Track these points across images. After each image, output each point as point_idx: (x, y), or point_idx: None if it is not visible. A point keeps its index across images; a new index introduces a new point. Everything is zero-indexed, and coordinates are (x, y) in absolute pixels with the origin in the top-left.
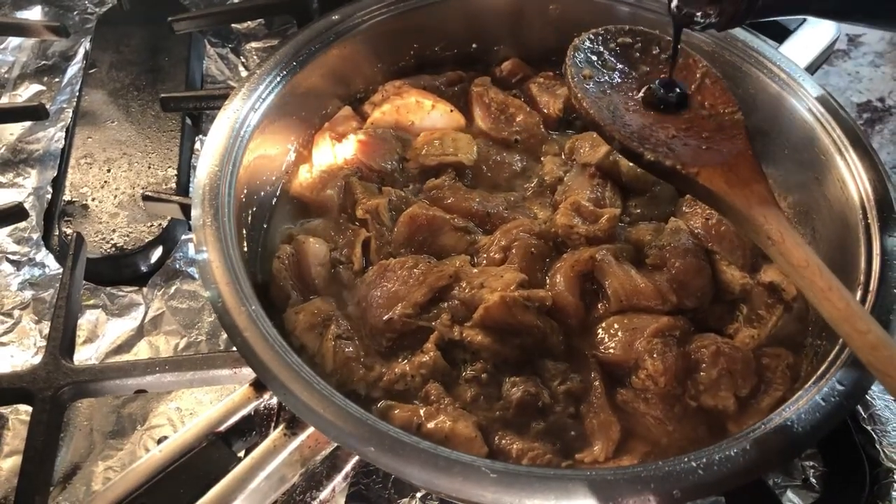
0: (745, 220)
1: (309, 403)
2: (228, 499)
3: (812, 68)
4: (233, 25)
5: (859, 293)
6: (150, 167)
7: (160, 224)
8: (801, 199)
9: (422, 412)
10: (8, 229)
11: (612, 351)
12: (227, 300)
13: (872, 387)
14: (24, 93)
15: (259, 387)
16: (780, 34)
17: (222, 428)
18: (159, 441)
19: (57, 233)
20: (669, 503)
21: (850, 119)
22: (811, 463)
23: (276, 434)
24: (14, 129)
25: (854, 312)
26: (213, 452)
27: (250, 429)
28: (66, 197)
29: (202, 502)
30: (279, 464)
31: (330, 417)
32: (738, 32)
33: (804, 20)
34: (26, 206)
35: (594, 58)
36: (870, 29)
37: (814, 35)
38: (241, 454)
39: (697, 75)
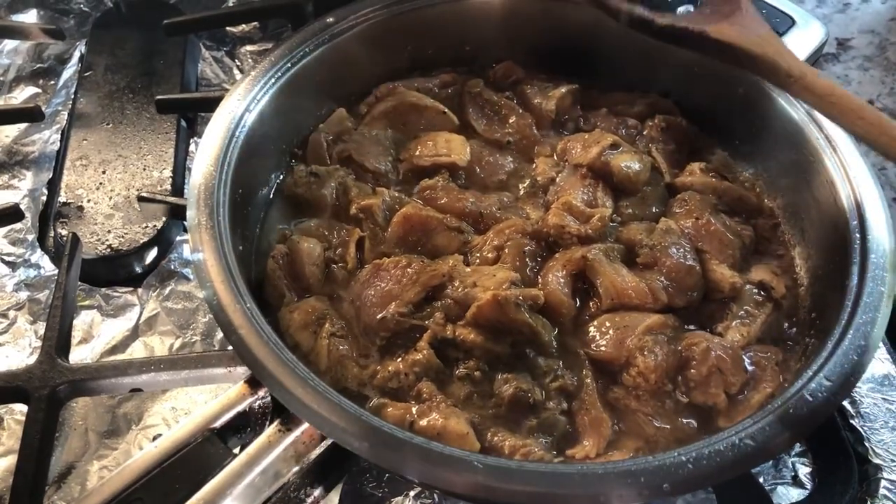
0: (763, 64)
1: (303, 399)
2: (223, 494)
3: None
4: (228, 29)
5: (846, 291)
6: (145, 169)
7: (155, 225)
8: (791, 201)
9: (414, 410)
10: (3, 231)
11: (603, 349)
12: (223, 298)
13: (861, 384)
14: (20, 95)
15: (254, 384)
16: None
17: (217, 424)
18: (154, 439)
19: (52, 234)
20: (659, 497)
21: None
22: (801, 459)
23: (270, 430)
24: (9, 131)
25: (889, 124)
26: (209, 448)
27: (245, 425)
28: (62, 198)
29: (197, 497)
30: (274, 459)
31: (324, 413)
32: None
33: (793, 23)
34: (22, 207)
35: None
36: None
37: (803, 38)
38: (237, 450)
39: None
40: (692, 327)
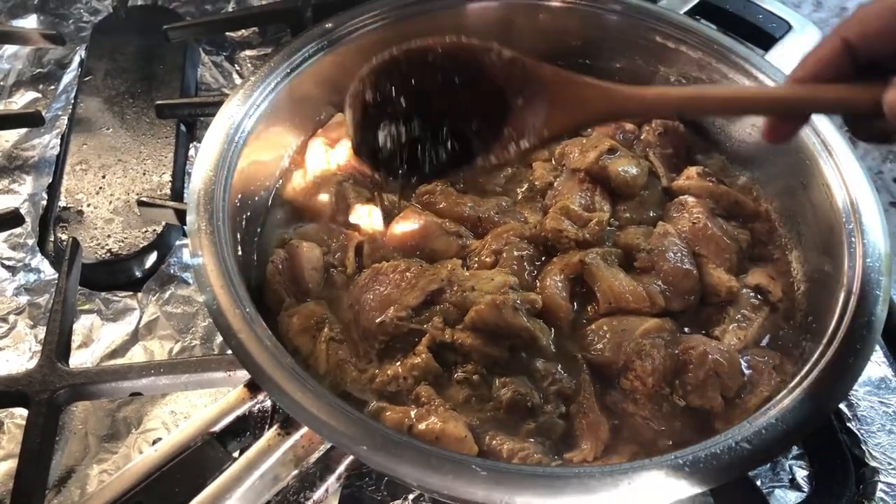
0: (605, 119)
1: (302, 403)
2: (223, 497)
3: None
4: (227, 34)
5: (842, 295)
6: (144, 173)
7: (154, 230)
8: (787, 204)
9: (413, 413)
10: (3, 235)
11: (601, 352)
12: (223, 303)
13: (857, 388)
14: (20, 100)
15: (253, 388)
16: (766, 42)
17: (217, 428)
18: (154, 443)
19: (52, 238)
20: None
21: (835, 125)
22: (798, 462)
23: (270, 434)
24: (10, 136)
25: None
26: (209, 452)
27: (245, 429)
28: (62, 203)
29: (197, 501)
30: (273, 463)
31: (323, 417)
32: (724, 40)
33: (789, 28)
34: (22, 211)
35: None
36: None
37: (799, 43)
38: (236, 454)
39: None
40: (689, 331)
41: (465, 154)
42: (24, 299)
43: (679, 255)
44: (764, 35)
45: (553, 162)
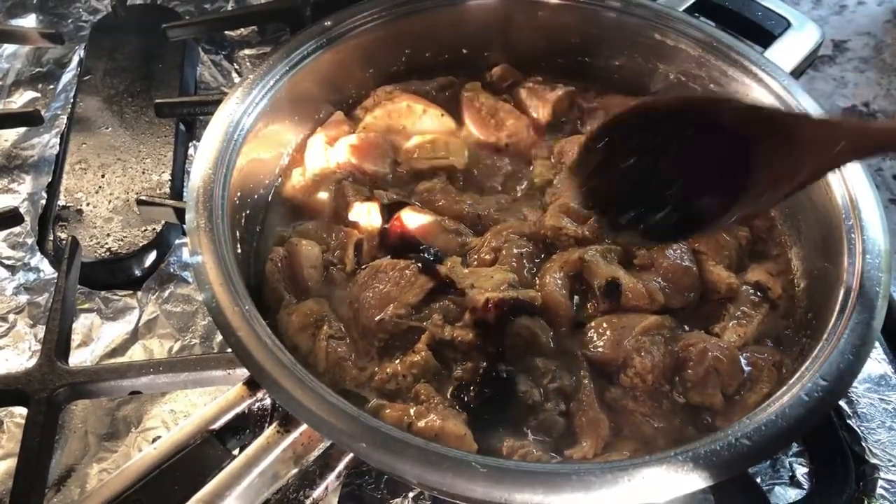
0: (882, 151)
1: (301, 400)
2: (222, 495)
3: (797, 73)
4: (226, 33)
5: (842, 292)
6: (144, 172)
7: (154, 229)
8: (787, 202)
9: (412, 411)
10: (3, 234)
11: (600, 349)
12: (222, 300)
13: (857, 384)
14: (19, 99)
15: (253, 386)
16: (765, 39)
17: (216, 425)
18: (153, 441)
19: (51, 238)
20: None
21: None
22: (798, 459)
23: (269, 431)
24: (9, 136)
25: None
26: (208, 450)
27: (244, 427)
28: (61, 202)
29: (196, 498)
30: (272, 460)
31: (322, 414)
32: (723, 37)
33: (789, 25)
34: (21, 210)
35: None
36: None
37: (798, 40)
38: (236, 452)
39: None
40: (689, 328)
41: (699, 212)
42: (23, 298)
43: (679, 252)
44: (763, 32)
45: (552, 160)
